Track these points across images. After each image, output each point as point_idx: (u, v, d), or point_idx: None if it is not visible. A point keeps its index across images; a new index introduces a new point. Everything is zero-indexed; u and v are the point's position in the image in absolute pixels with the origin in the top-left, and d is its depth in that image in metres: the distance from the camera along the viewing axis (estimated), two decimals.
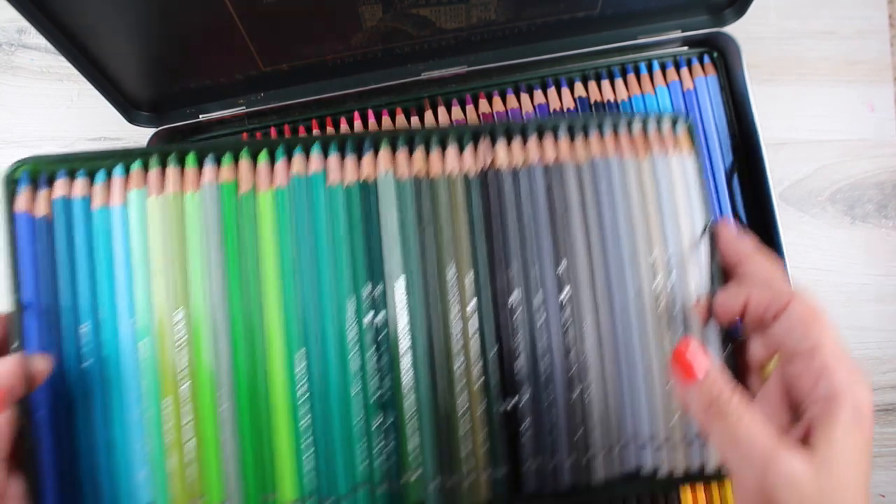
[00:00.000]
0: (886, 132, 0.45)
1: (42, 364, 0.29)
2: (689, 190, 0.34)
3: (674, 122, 0.35)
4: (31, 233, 0.31)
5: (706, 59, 0.41)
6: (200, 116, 0.39)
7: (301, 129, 0.40)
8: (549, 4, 0.37)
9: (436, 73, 0.40)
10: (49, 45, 0.32)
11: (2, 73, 0.45)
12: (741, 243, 0.33)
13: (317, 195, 0.32)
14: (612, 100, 0.41)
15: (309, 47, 0.37)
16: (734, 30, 0.40)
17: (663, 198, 0.34)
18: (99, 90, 0.36)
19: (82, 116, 0.45)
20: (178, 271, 0.31)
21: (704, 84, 0.41)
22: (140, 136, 0.39)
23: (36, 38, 0.45)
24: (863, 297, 0.44)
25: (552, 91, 0.41)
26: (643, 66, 0.41)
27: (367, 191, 0.33)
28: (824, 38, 0.46)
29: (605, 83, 0.41)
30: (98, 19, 0.32)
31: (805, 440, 0.26)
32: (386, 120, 0.40)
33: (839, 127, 0.45)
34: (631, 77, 0.41)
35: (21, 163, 0.31)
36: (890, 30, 0.46)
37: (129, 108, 0.39)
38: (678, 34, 0.40)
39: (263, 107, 0.39)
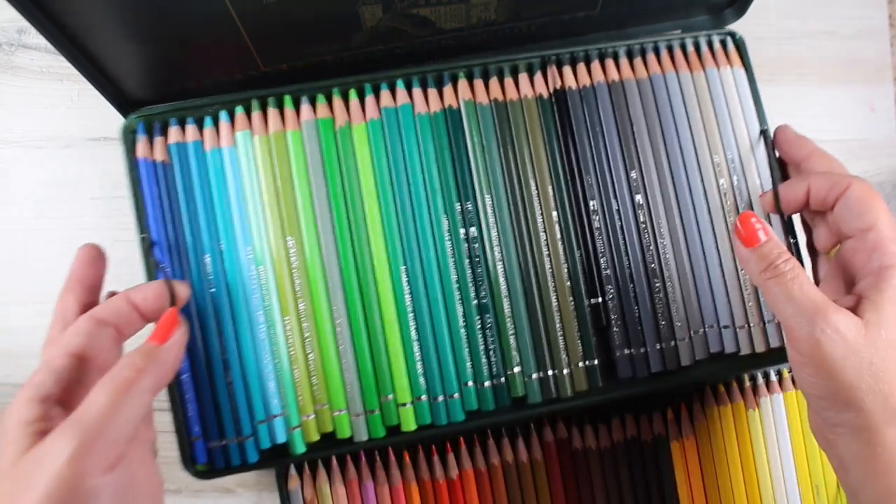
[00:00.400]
0: (886, 132, 0.45)
1: (182, 289, 0.32)
2: (743, 99, 0.38)
3: (723, 41, 0.39)
4: (152, 176, 0.34)
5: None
6: None
7: None
8: (549, 4, 0.37)
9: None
10: (49, 45, 0.32)
11: (2, 73, 0.45)
12: (802, 142, 0.36)
13: (406, 124, 0.36)
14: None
15: (309, 47, 0.37)
16: (734, 30, 0.40)
17: (719, 107, 0.38)
18: (99, 90, 0.36)
19: (82, 116, 0.45)
20: (287, 202, 0.35)
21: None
22: None
23: (36, 38, 0.45)
24: None
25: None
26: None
27: (452, 117, 0.37)
28: (824, 38, 0.46)
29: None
30: (98, 19, 0.32)
31: (854, 309, 0.29)
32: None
33: (839, 127, 0.45)
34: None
35: (136, 115, 0.35)
36: (890, 30, 0.46)
37: (130, 108, 0.39)
38: (678, 34, 0.40)
39: None
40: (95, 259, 0.32)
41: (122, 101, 0.38)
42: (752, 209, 0.36)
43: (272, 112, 0.36)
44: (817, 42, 0.46)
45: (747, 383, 0.40)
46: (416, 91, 0.37)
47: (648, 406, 0.41)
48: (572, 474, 0.40)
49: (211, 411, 0.34)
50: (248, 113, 0.36)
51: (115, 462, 0.25)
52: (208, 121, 0.36)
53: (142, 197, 0.34)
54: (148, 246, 0.34)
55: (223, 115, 0.36)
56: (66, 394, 0.27)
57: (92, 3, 0.31)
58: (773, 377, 0.40)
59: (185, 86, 0.38)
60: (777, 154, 0.38)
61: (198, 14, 0.33)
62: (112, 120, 0.39)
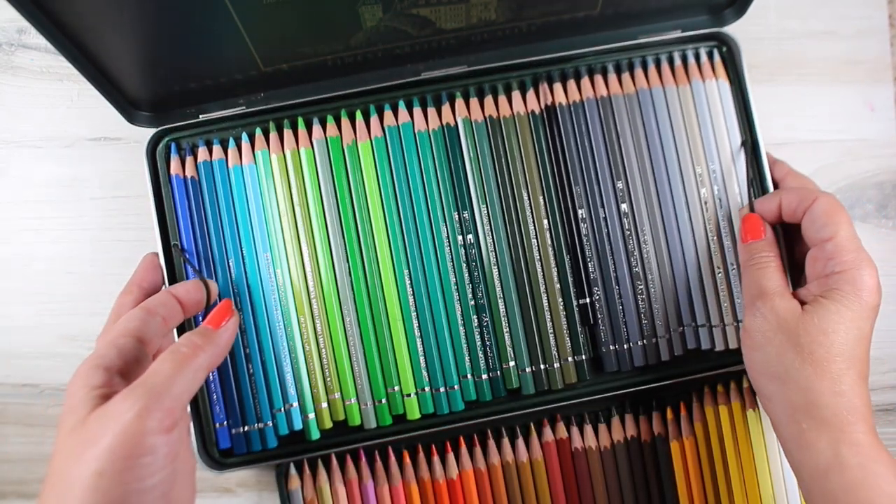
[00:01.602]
0: (886, 132, 0.45)
1: (213, 285, 0.37)
2: (726, 111, 0.40)
3: (710, 52, 0.40)
4: (182, 191, 0.39)
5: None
6: (200, 116, 0.39)
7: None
8: (549, 4, 0.37)
9: (436, 73, 0.40)
10: (49, 45, 0.32)
11: (2, 73, 0.45)
12: (777, 165, 0.39)
13: (408, 141, 0.39)
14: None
15: (309, 47, 0.37)
16: (734, 30, 0.40)
17: (703, 119, 0.40)
18: (99, 90, 0.36)
19: (82, 116, 0.45)
20: (301, 213, 0.39)
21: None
22: (140, 135, 0.39)
23: (36, 38, 0.45)
24: None
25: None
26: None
27: (449, 133, 0.39)
28: (824, 38, 0.46)
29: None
30: (98, 19, 0.32)
31: (802, 303, 0.33)
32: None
33: (839, 127, 0.45)
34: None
35: (169, 138, 0.39)
36: (890, 30, 0.46)
37: (129, 108, 0.39)
38: (678, 34, 0.40)
39: (263, 107, 0.39)
40: (156, 267, 0.38)
41: (123, 102, 0.38)
42: (731, 217, 0.39)
43: (286, 133, 0.39)
44: (817, 42, 0.46)
45: (746, 384, 0.40)
46: (417, 110, 0.40)
47: (648, 406, 0.41)
48: (572, 474, 0.40)
49: (234, 400, 0.38)
50: (265, 133, 0.39)
51: (172, 426, 0.27)
52: (231, 141, 0.39)
53: (174, 209, 0.38)
54: (180, 253, 0.38)
55: (244, 137, 0.39)
56: (126, 368, 0.30)
57: (92, 3, 0.31)
58: None
59: (186, 86, 0.38)
60: (766, 166, 0.39)
61: (198, 14, 0.33)
62: (112, 120, 0.39)
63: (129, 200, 0.44)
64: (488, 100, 0.40)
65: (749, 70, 0.40)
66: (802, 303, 0.33)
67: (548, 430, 0.40)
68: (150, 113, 0.39)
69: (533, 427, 0.40)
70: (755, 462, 0.39)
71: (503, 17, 0.37)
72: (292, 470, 0.39)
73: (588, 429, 0.40)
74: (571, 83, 0.40)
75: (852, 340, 0.31)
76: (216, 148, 0.39)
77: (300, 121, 0.39)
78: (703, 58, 0.40)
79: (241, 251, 0.38)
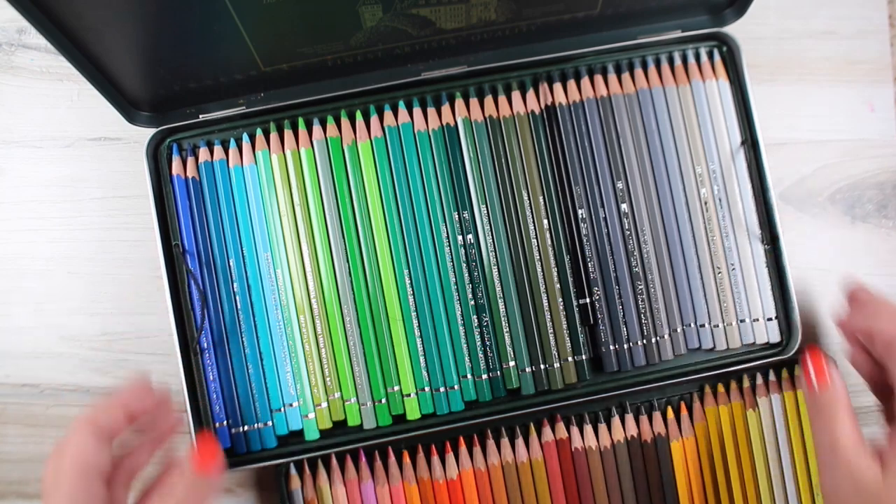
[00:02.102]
0: (886, 132, 0.45)
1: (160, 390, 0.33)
2: (726, 111, 0.40)
3: (710, 52, 0.41)
4: (184, 191, 0.39)
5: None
6: (200, 116, 0.39)
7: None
8: (549, 4, 0.37)
9: (436, 73, 0.40)
10: (49, 45, 0.32)
11: (2, 73, 0.45)
12: (868, 298, 0.35)
13: (408, 141, 0.39)
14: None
15: (309, 47, 0.37)
16: (734, 30, 0.40)
17: (703, 119, 0.40)
18: (99, 90, 0.36)
19: (82, 116, 0.45)
20: (302, 213, 0.39)
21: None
22: (140, 135, 0.39)
23: (36, 38, 0.45)
24: None
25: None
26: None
27: (449, 133, 0.40)
28: (824, 38, 0.46)
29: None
30: (98, 19, 0.32)
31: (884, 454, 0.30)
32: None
33: (839, 127, 0.45)
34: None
35: (171, 139, 0.39)
36: (890, 30, 0.46)
37: (129, 108, 0.39)
38: (678, 34, 0.40)
39: (263, 107, 0.39)
40: (147, 393, 0.32)
41: (123, 102, 0.38)
42: (731, 217, 0.39)
43: (287, 133, 0.39)
44: (817, 42, 0.46)
45: (747, 383, 0.40)
46: (417, 110, 0.40)
47: (648, 406, 0.41)
48: (572, 474, 0.40)
49: (233, 400, 0.38)
50: (265, 134, 0.40)
51: None
52: (232, 142, 0.40)
53: (175, 209, 0.38)
54: (181, 254, 0.38)
55: (244, 137, 0.39)
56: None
57: (92, 3, 0.31)
58: (773, 377, 0.40)
59: (186, 86, 0.38)
60: (766, 166, 0.38)
61: (198, 14, 0.33)
62: (112, 120, 0.39)
63: (130, 200, 0.44)
64: (488, 100, 0.40)
65: (749, 70, 0.40)
66: (879, 453, 0.30)
67: (548, 430, 0.40)
68: (150, 113, 0.39)
69: (533, 427, 0.40)
70: (755, 462, 0.39)
71: (503, 17, 0.37)
72: (292, 470, 0.39)
73: (588, 429, 0.40)
74: (571, 83, 0.40)
75: None
76: (217, 148, 0.39)
77: (300, 121, 0.40)
78: (703, 58, 0.40)
79: (242, 251, 0.39)
